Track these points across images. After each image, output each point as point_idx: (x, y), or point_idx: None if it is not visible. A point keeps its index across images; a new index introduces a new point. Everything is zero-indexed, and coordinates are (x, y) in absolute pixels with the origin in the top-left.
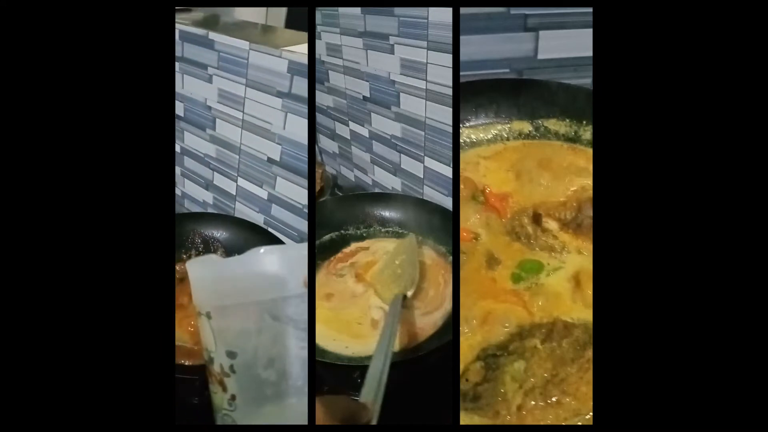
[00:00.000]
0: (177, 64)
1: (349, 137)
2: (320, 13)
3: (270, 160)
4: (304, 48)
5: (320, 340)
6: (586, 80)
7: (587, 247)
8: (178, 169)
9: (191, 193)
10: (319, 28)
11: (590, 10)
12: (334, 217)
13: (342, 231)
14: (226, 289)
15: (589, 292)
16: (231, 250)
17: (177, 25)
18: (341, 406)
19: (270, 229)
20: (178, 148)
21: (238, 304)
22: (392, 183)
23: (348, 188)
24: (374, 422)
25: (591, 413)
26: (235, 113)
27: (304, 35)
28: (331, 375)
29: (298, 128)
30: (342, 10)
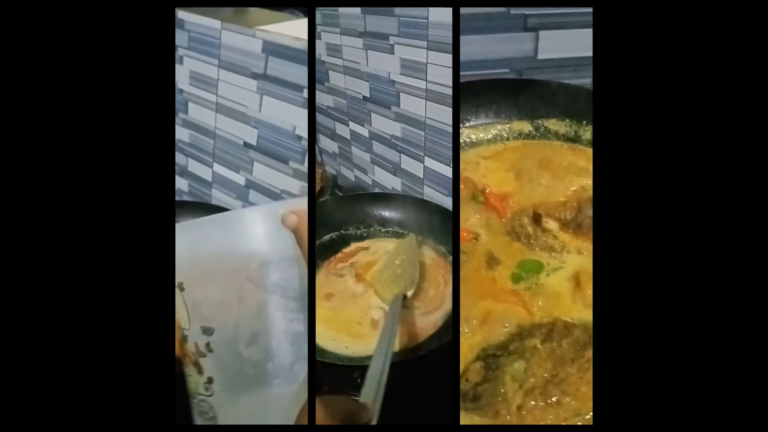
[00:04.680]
0: None
1: (349, 137)
2: (320, 13)
3: (246, 145)
4: (278, 27)
5: (320, 340)
6: (586, 80)
7: (587, 247)
8: None
9: None
10: (319, 28)
11: (590, 10)
12: (334, 217)
13: (342, 231)
14: (201, 254)
15: (589, 292)
16: None
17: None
18: (341, 406)
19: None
20: None
21: (216, 272)
22: (392, 183)
23: (348, 188)
24: (374, 422)
25: (591, 413)
26: (209, 96)
27: (279, 15)
28: (331, 375)
29: (274, 111)
30: (342, 10)
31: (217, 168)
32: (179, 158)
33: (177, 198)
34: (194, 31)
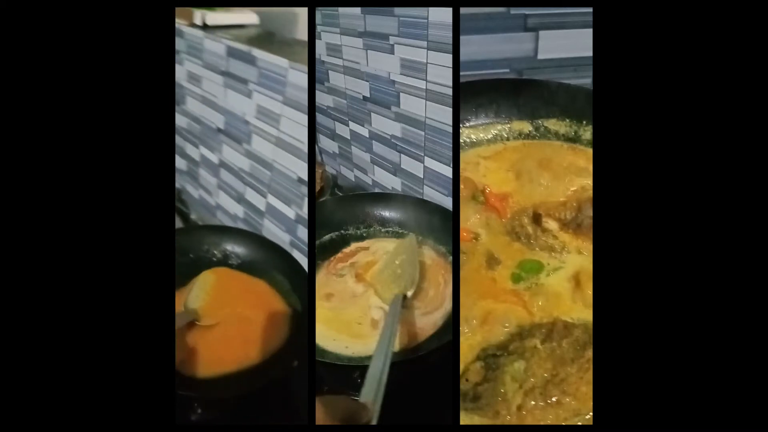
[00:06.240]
0: (221, 78)
1: (349, 137)
2: (320, 13)
3: (300, 180)
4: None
5: (320, 340)
6: (586, 80)
7: (587, 247)
8: (214, 180)
9: (224, 205)
10: (319, 28)
11: (590, 10)
12: (334, 217)
13: (342, 231)
14: None
15: (589, 292)
16: (249, 267)
17: (224, 42)
18: (341, 406)
19: (295, 251)
20: (216, 160)
21: None
22: (392, 183)
23: (348, 188)
24: (374, 422)
25: (591, 413)
26: (271, 129)
27: None
28: (331, 375)
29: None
30: (342, 10)
31: (271, 199)
32: (239, 186)
33: (232, 224)
34: (264, 68)
